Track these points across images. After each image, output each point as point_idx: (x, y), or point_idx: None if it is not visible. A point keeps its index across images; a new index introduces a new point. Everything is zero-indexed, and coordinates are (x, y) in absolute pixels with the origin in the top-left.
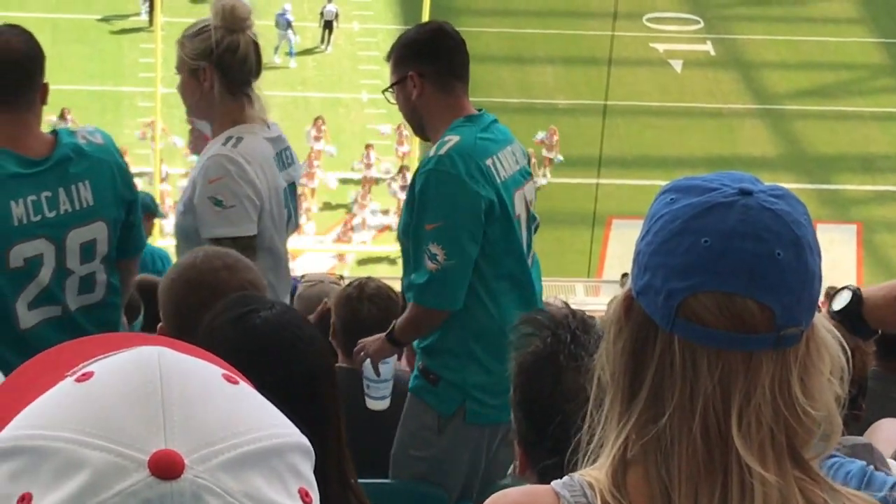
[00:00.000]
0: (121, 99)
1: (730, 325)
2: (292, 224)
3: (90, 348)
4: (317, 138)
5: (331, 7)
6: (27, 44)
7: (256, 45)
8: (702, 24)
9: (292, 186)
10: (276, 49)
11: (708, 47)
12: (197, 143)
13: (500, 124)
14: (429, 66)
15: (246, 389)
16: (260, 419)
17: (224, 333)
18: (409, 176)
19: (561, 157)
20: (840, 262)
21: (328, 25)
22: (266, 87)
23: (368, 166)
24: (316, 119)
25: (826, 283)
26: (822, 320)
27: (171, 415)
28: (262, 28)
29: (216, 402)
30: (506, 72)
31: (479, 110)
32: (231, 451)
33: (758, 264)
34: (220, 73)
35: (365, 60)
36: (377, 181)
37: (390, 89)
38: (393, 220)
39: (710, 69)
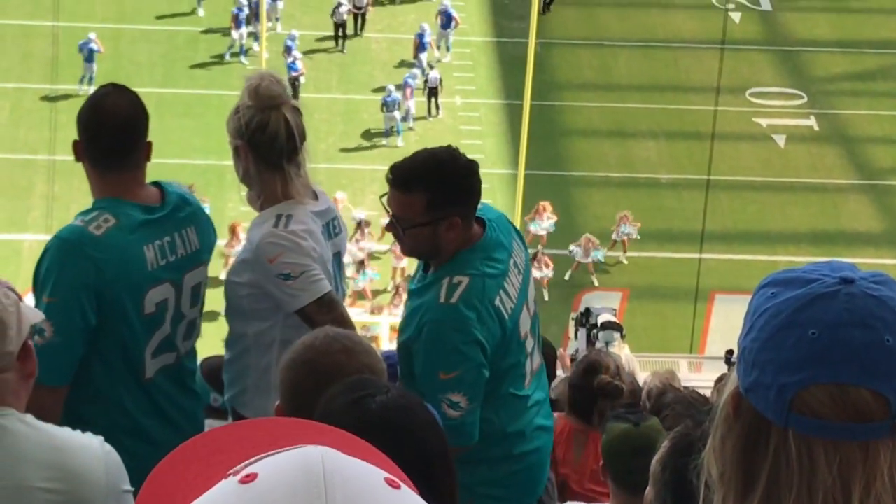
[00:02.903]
0: (224, 173)
1: (845, 415)
2: (340, 294)
3: (247, 439)
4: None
5: (434, 74)
6: (133, 105)
7: (287, 121)
8: (805, 99)
9: (338, 256)
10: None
11: (811, 122)
12: (252, 200)
13: (498, 229)
14: (465, 210)
15: (407, 494)
16: None
17: (339, 418)
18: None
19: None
20: None
21: (433, 93)
22: (369, 161)
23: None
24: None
25: None
26: None
27: None
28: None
29: None
30: (608, 146)
31: (482, 223)
32: None
33: (868, 352)
34: (253, 151)
35: (467, 135)
36: None
37: (408, 225)
38: None
39: (813, 144)
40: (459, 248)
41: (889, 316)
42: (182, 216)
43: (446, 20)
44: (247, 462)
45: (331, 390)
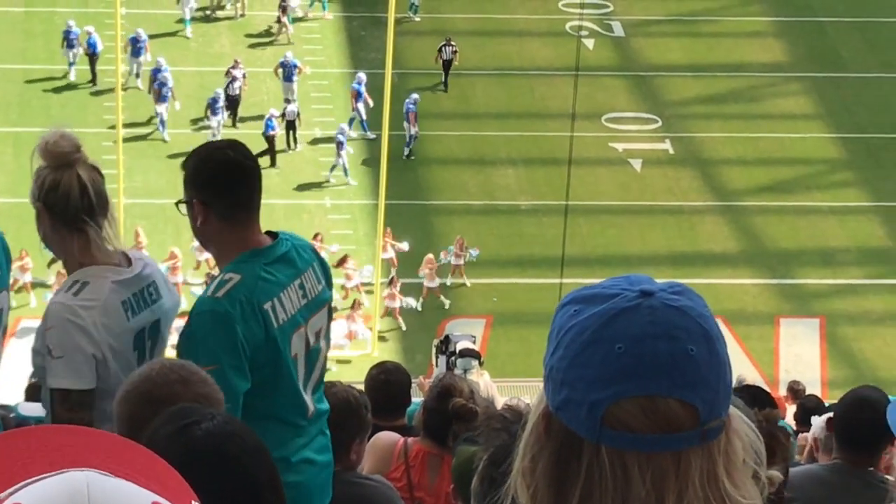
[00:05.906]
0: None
1: (656, 427)
2: None
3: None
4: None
5: (292, 107)
6: None
7: (80, 178)
8: (660, 123)
9: (156, 325)
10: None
11: (666, 146)
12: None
13: (296, 250)
14: (212, 199)
15: None
16: None
17: (164, 447)
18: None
19: (476, 252)
20: (804, 356)
21: (291, 125)
22: None
23: None
24: None
25: (791, 376)
26: (733, 408)
27: None
28: None
29: None
30: (468, 174)
31: (276, 236)
32: None
33: (674, 363)
34: (49, 212)
35: (326, 166)
36: None
37: (181, 204)
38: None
39: (669, 167)
40: (241, 250)
41: (691, 325)
42: None
43: (289, 72)
44: (10, 490)
45: (156, 420)
